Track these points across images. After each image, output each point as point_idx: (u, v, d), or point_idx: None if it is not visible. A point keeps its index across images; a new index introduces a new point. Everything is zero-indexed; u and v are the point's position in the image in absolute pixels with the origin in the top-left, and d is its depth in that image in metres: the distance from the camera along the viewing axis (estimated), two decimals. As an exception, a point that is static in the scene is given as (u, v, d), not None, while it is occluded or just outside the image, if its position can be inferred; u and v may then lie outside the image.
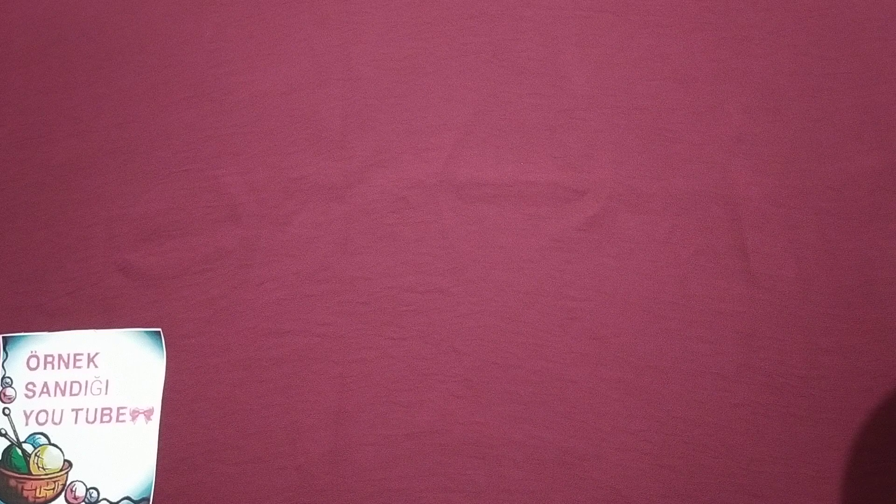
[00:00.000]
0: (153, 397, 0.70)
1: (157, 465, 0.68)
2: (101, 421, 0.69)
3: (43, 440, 0.69)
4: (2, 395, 0.70)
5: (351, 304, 0.72)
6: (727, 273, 0.72)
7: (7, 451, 0.69)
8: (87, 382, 0.70)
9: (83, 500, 0.68)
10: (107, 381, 0.70)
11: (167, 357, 0.71)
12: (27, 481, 0.68)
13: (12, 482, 0.68)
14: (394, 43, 0.79)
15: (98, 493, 0.68)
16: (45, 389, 0.70)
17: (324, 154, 0.76)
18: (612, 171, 0.75)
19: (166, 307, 0.72)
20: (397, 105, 0.77)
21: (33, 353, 0.71)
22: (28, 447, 0.69)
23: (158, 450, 0.68)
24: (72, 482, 0.68)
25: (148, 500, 0.67)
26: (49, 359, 0.71)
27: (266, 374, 0.70)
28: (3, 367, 0.70)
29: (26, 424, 0.69)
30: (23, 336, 0.71)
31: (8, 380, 0.70)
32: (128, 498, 0.68)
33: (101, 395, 0.70)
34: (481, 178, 0.75)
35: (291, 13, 0.80)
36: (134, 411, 0.69)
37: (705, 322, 0.71)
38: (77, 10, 0.81)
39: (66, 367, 0.70)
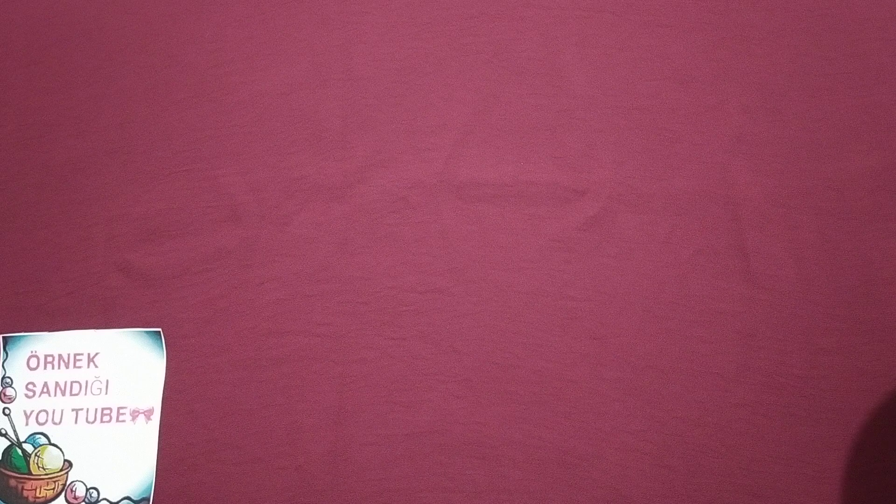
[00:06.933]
0: (153, 397, 0.70)
1: (157, 465, 0.68)
2: (101, 421, 0.69)
3: (43, 440, 0.69)
4: (2, 395, 0.70)
5: (351, 304, 0.72)
6: (727, 273, 0.72)
7: (7, 451, 0.69)
8: (87, 382, 0.70)
9: (83, 500, 0.68)
10: (107, 381, 0.70)
11: (167, 357, 0.71)
12: (27, 481, 0.68)
13: (12, 482, 0.68)
14: (394, 43, 0.79)
15: (98, 493, 0.68)
16: (45, 389, 0.70)
17: (324, 154, 0.76)
18: (612, 171, 0.75)
19: (166, 307, 0.72)
20: (397, 105, 0.77)
21: (33, 353, 0.71)
22: (28, 447, 0.69)
23: (158, 450, 0.68)
24: (72, 482, 0.68)
25: (148, 500, 0.67)
26: (49, 359, 0.71)
27: (266, 374, 0.70)
28: (3, 367, 0.70)
29: (26, 424, 0.69)
30: (23, 336, 0.71)
31: (8, 380, 0.70)
32: (128, 498, 0.68)
33: (101, 395, 0.70)
34: (481, 178, 0.75)
35: (291, 13, 0.80)
36: (134, 411, 0.69)
37: (705, 322, 0.71)
38: (77, 10, 0.81)
39: (66, 367, 0.70)
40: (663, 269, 0.72)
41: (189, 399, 0.70)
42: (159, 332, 0.71)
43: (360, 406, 0.69)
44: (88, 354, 0.71)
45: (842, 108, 0.76)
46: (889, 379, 0.69)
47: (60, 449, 0.69)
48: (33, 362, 0.71)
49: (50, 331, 0.71)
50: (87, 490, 0.68)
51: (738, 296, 0.71)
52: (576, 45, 0.78)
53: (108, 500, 0.68)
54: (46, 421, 0.69)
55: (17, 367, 0.71)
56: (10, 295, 0.73)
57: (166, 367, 0.71)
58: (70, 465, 0.68)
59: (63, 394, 0.70)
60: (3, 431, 0.69)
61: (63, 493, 0.68)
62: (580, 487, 0.67)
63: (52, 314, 0.72)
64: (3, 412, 0.70)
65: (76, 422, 0.69)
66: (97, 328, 0.71)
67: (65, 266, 0.73)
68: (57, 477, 0.68)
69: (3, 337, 0.71)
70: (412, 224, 0.74)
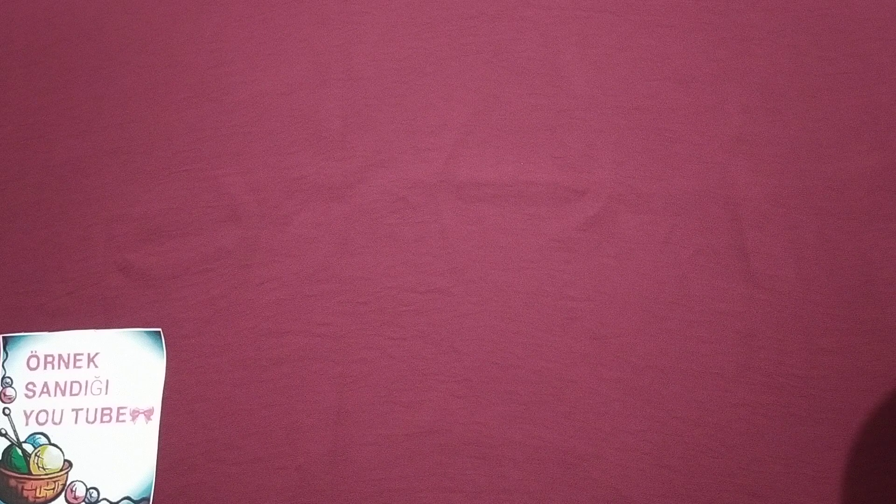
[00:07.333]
0: (153, 397, 0.70)
1: (157, 465, 0.68)
2: (101, 421, 0.69)
3: (43, 440, 0.69)
4: (2, 395, 0.70)
5: (351, 304, 0.72)
6: (727, 273, 0.72)
7: (7, 451, 0.69)
8: (87, 382, 0.70)
9: (83, 500, 0.68)
10: (107, 381, 0.70)
11: (167, 357, 0.71)
12: (27, 481, 0.68)
13: (12, 482, 0.68)
14: (394, 43, 0.79)
15: (98, 493, 0.68)
16: (45, 389, 0.70)
17: (324, 154, 0.76)
18: (612, 171, 0.75)
19: (166, 307, 0.72)
20: (397, 105, 0.77)
21: (33, 353, 0.71)
22: (28, 447, 0.69)
23: (158, 450, 0.68)
24: (72, 482, 0.68)
25: (148, 500, 0.67)
26: (49, 359, 0.71)
27: (266, 374, 0.70)
28: (3, 367, 0.70)
29: (26, 424, 0.69)
30: (23, 336, 0.71)
31: (8, 380, 0.70)
32: (128, 498, 0.68)
33: (101, 395, 0.70)
34: (481, 178, 0.75)
35: (291, 13, 0.80)
36: (134, 411, 0.69)
37: (705, 322, 0.71)
38: (77, 10, 0.81)
39: (66, 367, 0.70)
40: (663, 269, 0.72)
41: (189, 399, 0.70)
42: (159, 332, 0.71)
43: (360, 406, 0.69)
44: (88, 354, 0.71)
45: (842, 108, 0.76)
46: (889, 379, 0.69)
47: (60, 449, 0.69)
48: (33, 362, 0.71)
49: (50, 331, 0.71)
50: (87, 490, 0.68)
51: (738, 296, 0.71)
52: (576, 45, 0.78)
53: (108, 500, 0.68)
54: (46, 421, 0.69)
55: (17, 367, 0.71)
56: (10, 295, 0.73)
57: (166, 367, 0.71)
58: (70, 465, 0.68)
59: (63, 394, 0.70)
60: (3, 431, 0.69)
61: (63, 493, 0.68)
62: (580, 487, 0.67)
63: (52, 314, 0.72)
64: (3, 412, 0.70)
65: (76, 422, 0.69)
66: (97, 328, 0.71)
67: (65, 266, 0.73)
68: (57, 477, 0.68)
69: (3, 337, 0.71)
70: (412, 224, 0.74)
